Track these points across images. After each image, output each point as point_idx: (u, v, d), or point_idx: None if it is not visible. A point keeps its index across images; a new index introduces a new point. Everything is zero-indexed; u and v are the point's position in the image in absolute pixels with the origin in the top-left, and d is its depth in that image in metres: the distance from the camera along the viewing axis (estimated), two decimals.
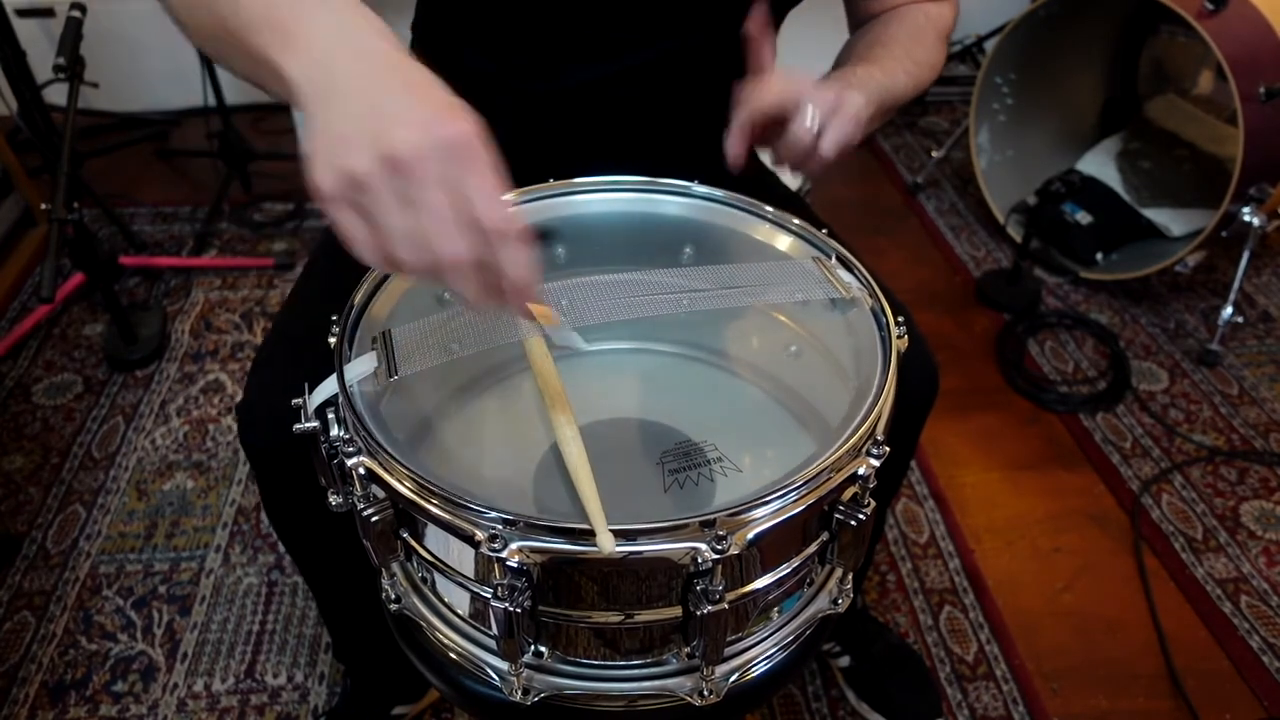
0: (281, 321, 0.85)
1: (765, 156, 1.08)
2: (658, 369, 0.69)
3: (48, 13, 2.27)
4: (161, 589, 1.33)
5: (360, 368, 0.59)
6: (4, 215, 1.90)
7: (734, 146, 0.72)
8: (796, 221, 0.75)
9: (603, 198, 0.79)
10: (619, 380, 0.68)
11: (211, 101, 2.11)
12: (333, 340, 0.61)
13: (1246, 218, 1.68)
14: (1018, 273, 1.93)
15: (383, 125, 0.45)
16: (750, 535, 0.50)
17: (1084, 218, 1.98)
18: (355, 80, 0.48)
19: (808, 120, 0.68)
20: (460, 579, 0.56)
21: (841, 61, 0.86)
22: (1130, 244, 2.01)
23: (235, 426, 1.58)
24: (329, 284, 0.80)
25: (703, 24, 0.85)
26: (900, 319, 0.64)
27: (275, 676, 1.22)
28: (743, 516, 0.50)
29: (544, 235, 0.74)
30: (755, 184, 0.99)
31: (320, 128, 0.47)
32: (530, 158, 0.79)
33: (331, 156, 0.46)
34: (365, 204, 0.46)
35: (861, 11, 0.93)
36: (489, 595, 0.52)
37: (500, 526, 0.49)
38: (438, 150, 0.45)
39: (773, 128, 0.72)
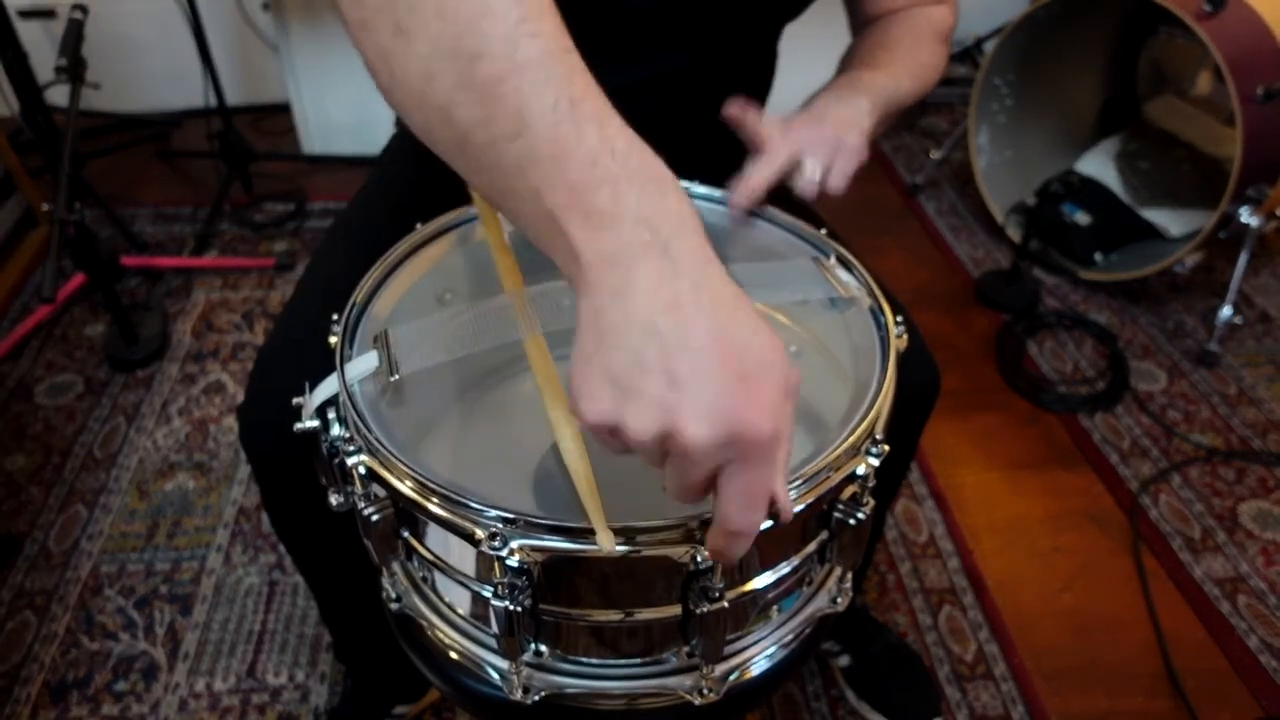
0: (283, 322, 0.85)
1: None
2: None
3: (49, 14, 2.28)
4: (163, 589, 1.33)
5: (361, 367, 0.60)
6: (6, 216, 1.90)
7: (740, 205, 0.74)
8: (795, 221, 0.75)
9: None
10: None
11: (212, 102, 2.12)
12: (333, 340, 0.62)
13: (1245, 218, 1.68)
14: (1017, 273, 1.93)
15: (681, 403, 0.38)
16: None
17: (1083, 218, 1.98)
18: (671, 321, 0.39)
19: (808, 172, 0.72)
20: (461, 578, 0.56)
21: (845, 66, 0.87)
22: (1129, 244, 2.01)
23: (236, 426, 1.59)
24: (330, 284, 0.80)
25: (710, 36, 0.85)
26: (900, 318, 0.64)
27: (276, 676, 1.23)
28: None
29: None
30: None
31: (612, 343, 0.39)
32: None
33: (613, 391, 0.40)
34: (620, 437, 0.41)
35: (863, 15, 0.93)
36: (489, 594, 0.52)
37: (500, 525, 0.50)
38: (725, 449, 0.39)
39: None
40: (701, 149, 0.90)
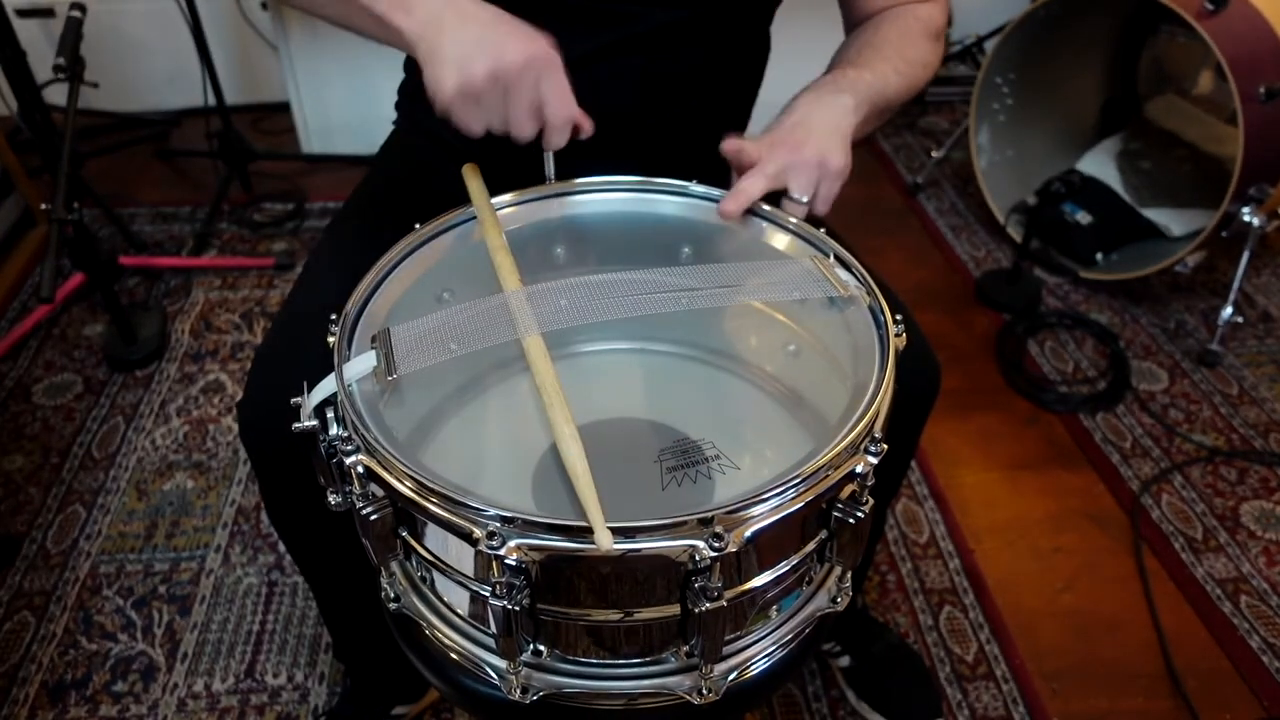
0: (282, 321, 0.85)
1: None
2: (656, 368, 0.69)
3: (48, 13, 2.28)
4: (161, 589, 1.33)
5: (359, 367, 0.59)
6: (4, 215, 1.90)
7: (731, 213, 0.76)
8: (794, 220, 0.75)
9: (601, 198, 0.80)
10: (618, 379, 0.68)
11: (211, 101, 2.11)
12: (331, 340, 0.62)
13: (1246, 218, 1.67)
14: (1018, 273, 1.93)
15: (496, 45, 0.65)
16: (748, 533, 0.50)
17: (1084, 218, 1.98)
18: (464, 20, 0.67)
19: (794, 195, 0.75)
20: (459, 577, 0.56)
21: (834, 65, 0.87)
22: (1130, 244, 2.01)
23: (235, 426, 1.58)
24: (329, 284, 0.80)
25: (707, 34, 0.86)
26: (899, 317, 0.64)
27: (275, 676, 1.22)
28: (740, 514, 0.50)
29: None
30: None
31: (441, 55, 0.65)
32: (530, 157, 0.79)
33: (458, 68, 0.65)
34: (479, 97, 0.66)
35: (854, 13, 0.94)
36: (488, 593, 0.52)
37: (498, 524, 0.50)
38: (533, 61, 0.66)
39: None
40: (674, 141, 0.90)
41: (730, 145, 0.77)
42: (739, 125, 1.05)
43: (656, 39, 0.87)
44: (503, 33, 0.66)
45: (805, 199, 0.75)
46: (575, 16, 0.85)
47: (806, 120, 0.76)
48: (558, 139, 0.71)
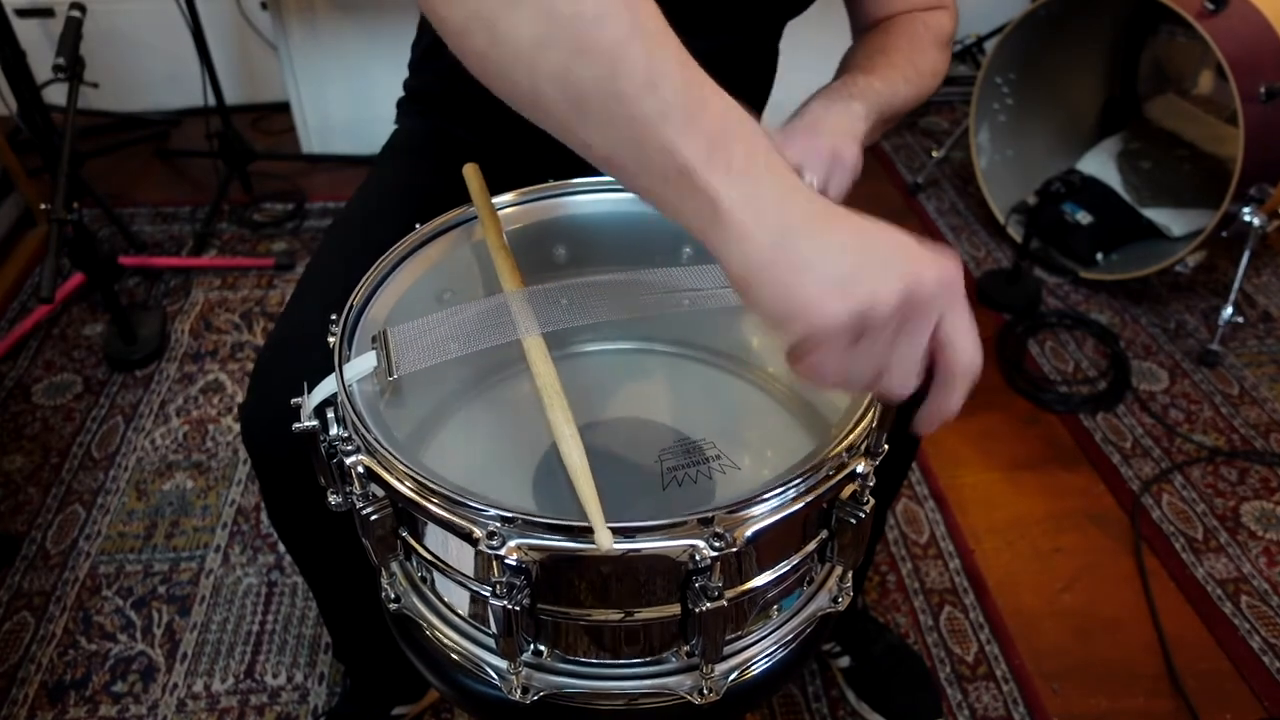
0: (283, 322, 0.85)
1: None
2: (657, 368, 0.69)
3: (47, 13, 2.28)
4: (161, 589, 1.33)
5: (359, 367, 0.59)
6: (4, 215, 1.90)
7: None
8: None
9: (602, 198, 0.79)
10: (618, 380, 0.68)
11: (211, 101, 2.11)
12: (332, 340, 0.61)
13: (1246, 218, 1.67)
14: (1018, 273, 1.92)
15: (909, 261, 0.45)
16: (749, 532, 0.50)
17: (1084, 218, 1.98)
18: (827, 217, 0.46)
19: (806, 180, 0.70)
20: (459, 578, 0.56)
21: (843, 70, 0.87)
22: (1130, 244, 2.01)
23: (235, 426, 1.58)
24: (330, 284, 0.80)
25: (711, 32, 0.85)
26: None
27: (275, 677, 1.22)
28: (741, 514, 0.50)
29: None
30: None
31: (821, 259, 0.44)
32: (530, 157, 0.79)
33: (854, 286, 0.43)
34: (865, 334, 0.45)
35: (863, 18, 0.93)
36: (488, 593, 0.52)
37: (499, 524, 0.49)
38: (946, 291, 0.46)
39: None
40: None
41: None
42: None
43: None
44: (905, 241, 0.47)
45: (816, 185, 0.73)
46: None
47: (818, 122, 0.77)
48: (945, 400, 0.50)
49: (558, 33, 0.44)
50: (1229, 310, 1.74)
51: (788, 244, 0.44)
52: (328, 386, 0.60)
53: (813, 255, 0.44)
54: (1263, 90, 1.60)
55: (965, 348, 0.47)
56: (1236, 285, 1.74)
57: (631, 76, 0.43)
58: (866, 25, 0.93)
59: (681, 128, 0.43)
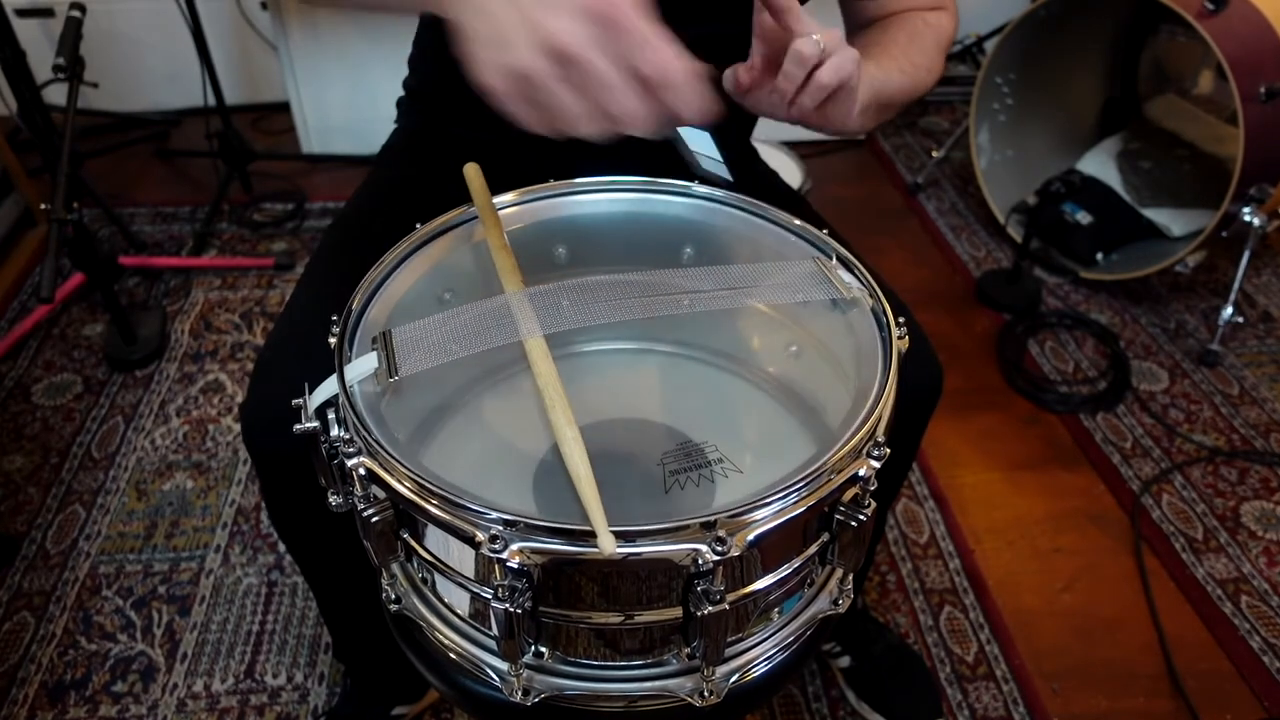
0: (283, 322, 0.85)
1: (765, 158, 1.08)
2: (658, 369, 0.69)
3: (47, 13, 2.28)
4: (161, 589, 1.33)
5: (360, 368, 0.59)
6: (4, 215, 1.90)
7: (741, 70, 0.72)
8: (797, 221, 0.75)
9: (603, 198, 0.79)
10: (619, 380, 0.68)
11: (211, 101, 2.11)
12: (333, 341, 0.61)
13: (1247, 218, 1.67)
14: (1018, 273, 1.92)
15: (536, 19, 0.49)
16: (751, 536, 0.50)
17: (1084, 218, 1.98)
18: None
19: (814, 38, 0.66)
20: (460, 579, 0.56)
21: None
22: (1130, 244, 2.01)
23: (235, 426, 1.58)
24: (330, 285, 0.80)
25: (709, 29, 0.84)
26: (901, 319, 0.64)
27: (275, 677, 1.22)
28: (743, 518, 0.50)
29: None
30: (755, 184, 0.99)
31: (478, 34, 0.51)
32: (530, 157, 0.79)
33: (497, 57, 0.50)
34: (537, 94, 0.50)
35: (859, 17, 0.93)
36: (489, 596, 0.52)
37: (501, 527, 0.49)
38: (591, 28, 0.49)
39: (776, 65, 0.70)
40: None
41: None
42: (746, 125, 1.05)
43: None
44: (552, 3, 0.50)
45: (821, 45, 0.66)
46: None
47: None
48: (690, 100, 0.52)
49: None
50: (1229, 310, 1.74)
51: (467, 9, 0.52)
52: (329, 388, 0.60)
53: (475, 22, 0.52)
54: (1263, 90, 1.60)
55: (662, 65, 0.50)
56: (1236, 285, 1.74)
57: None
58: (862, 24, 0.93)
59: None
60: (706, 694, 0.57)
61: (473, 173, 0.78)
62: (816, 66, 0.67)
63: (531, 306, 0.63)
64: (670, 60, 0.51)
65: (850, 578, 0.63)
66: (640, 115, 0.51)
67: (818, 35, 0.67)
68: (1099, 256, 1.98)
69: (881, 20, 0.90)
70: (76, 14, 1.67)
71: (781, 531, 0.52)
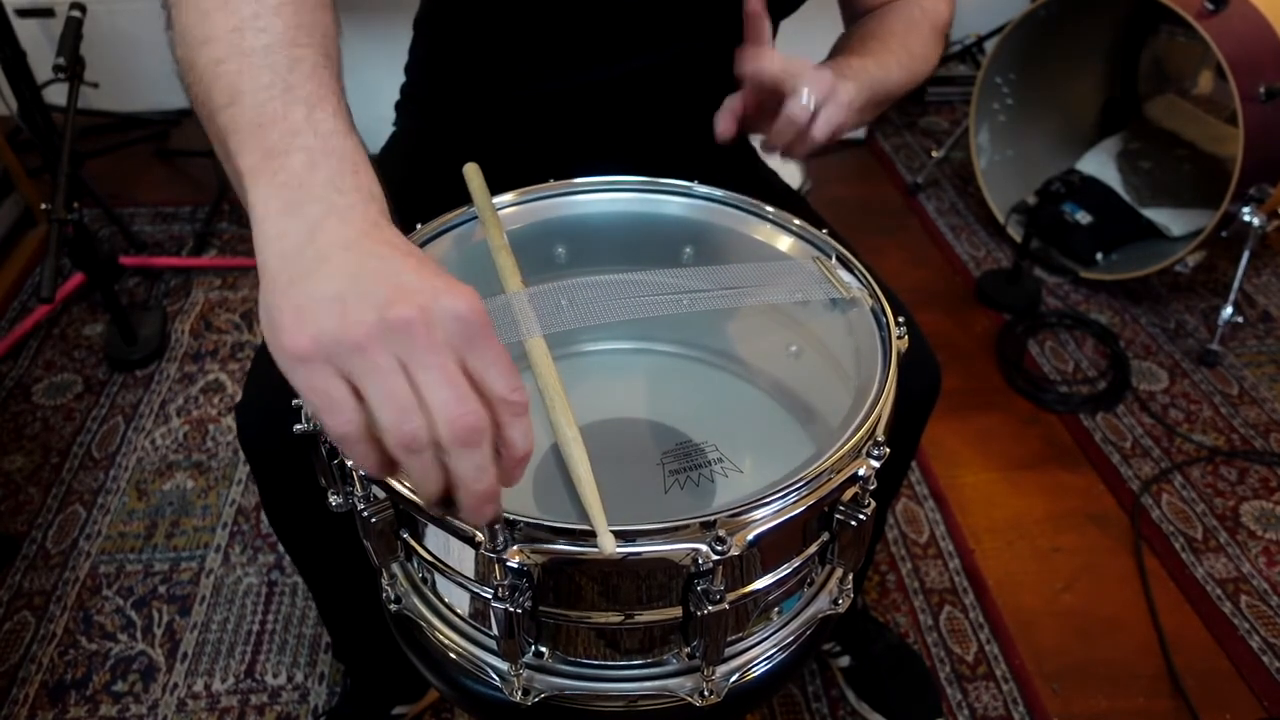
0: None
1: (765, 158, 1.08)
2: (658, 369, 0.69)
3: (48, 13, 2.27)
4: (161, 589, 1.33)
5: None
6: (4, 215, 1.89)
7: (726, 118, 0.75)
8: (796, 221, 0.75)
9: (603, 198, 0.79)
10: (619, 380, 0.68)
11: None
12: None
13: (1246, 218, 1.67)
14: (1018, 273, 1.92)
15: (391, 286, 0.42)
16: (751, 536, 0.50)
17: (1084, 217, 1.98)
18: (344, 237, 0.44)
19: (803, 99, 0.70)
20: (460, 579, 0.56)
21: (835, 54, 0.86)
22: (1130, 244, 2.01)
23: (235, 426, 1.58)
24: None
25: (708, 29, 0.85)
26: (901, 319, 0.64)
27: (275, 676, 1.22)
28: (743, 517, 0.50)
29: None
30: (755, 184, 0.99)
31: (303, 285, 0.43)
32: (530, 157, 0.79)
33: (318, 315, 0.42)
34: (354, 367, 0.42)
35: (856, 4, 0.93)
36: (489, 595, 0.52)
37: (501, 527, 0.49)
38: (446, 319, 0.42)
39: (765, 107, 0.73)
40: (676, 141, 0.90)
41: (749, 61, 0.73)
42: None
43: (671, 67, 0.87)
44: (407, 269, 0.44)
45: (812, 105, 0.70)
46: (593, 46, 0.85)
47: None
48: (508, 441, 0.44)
49: (187, 54, 0.56)
50: (1229, 310, 1.74)
51: (292, 261, 0.44)
52: None
53: (305, 276, 0.43)
54: (1263, 90, 1.61)
55: (494, 385, 0.43)
56: (1236, 285, 1.74)
57: (220, 93, 0.51)
58: (860, 12, 0.92)
59: (244, 139, 0.49)
60: (706, 693, 0.57)
61: (472, 173, 0.78)
62: (811, 119, 0.71)
63: (531, 306, 0.63)
64: (521, 385, 0.44)
65: (850, 577, 0.63)
66: (473, 425, 0.42)
67: (808, 91, 0.70)
68: (1099, 256, 1.98)
69: (878, 8, 0.90)
70: (76, 14, 1.67)
71: (781, 531, 0.52)
